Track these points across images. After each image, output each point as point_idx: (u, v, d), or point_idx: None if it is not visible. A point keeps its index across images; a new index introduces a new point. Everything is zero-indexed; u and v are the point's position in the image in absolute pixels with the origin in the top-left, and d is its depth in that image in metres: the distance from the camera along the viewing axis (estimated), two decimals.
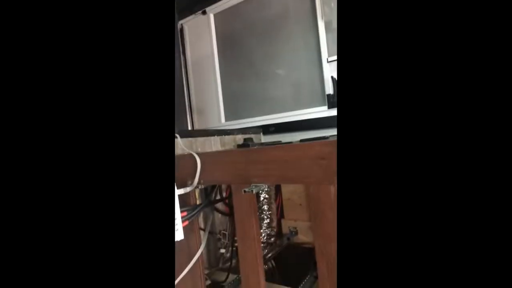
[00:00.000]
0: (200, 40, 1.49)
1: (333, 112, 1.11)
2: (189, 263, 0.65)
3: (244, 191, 0.53)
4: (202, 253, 0.67)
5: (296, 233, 1.07)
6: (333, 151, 0.46)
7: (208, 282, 0.85)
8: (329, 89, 1.10)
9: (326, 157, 0.46)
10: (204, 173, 0.62)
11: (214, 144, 1.00)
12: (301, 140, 0.88)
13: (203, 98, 1.51)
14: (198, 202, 0.69)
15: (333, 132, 1.11)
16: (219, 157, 0.61)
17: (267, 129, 1.30)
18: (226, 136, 1.07)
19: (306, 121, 1.17)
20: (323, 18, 1.11)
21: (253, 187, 0.53)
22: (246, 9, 1.34)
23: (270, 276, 0.98)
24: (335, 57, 1.09)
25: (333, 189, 0.46)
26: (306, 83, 1.19)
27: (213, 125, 1.49)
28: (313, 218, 0.48)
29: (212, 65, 1.45)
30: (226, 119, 1.45)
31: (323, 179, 0.47)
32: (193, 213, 0.64)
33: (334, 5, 1.08)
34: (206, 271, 0.87)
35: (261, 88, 1.33)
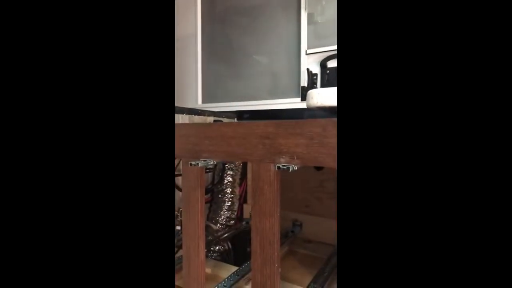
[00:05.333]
0: (186, 17, 1.45)
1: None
2: None
3: (190, 164, 0.53)
4: None
5: None
6: (276, 132, 0.46)
7: None
8: (304, 81, 1.11)
9: (270, 137, 0.47)
10: None
11: (181, 122, 0.99)
12: None
13: (181, 76, 1.49)
14: None
15: None
16: None
17: (241, 115, 1.30)
18: (196, 116, 1.06)
19: (280, 111, 1.18)
20: (306, 9, 1.11)
21: (201, 161, 0.54)
22: None
23: (225, 256, 1.00)
24: (314, 50, 1.10)
25: (273, 168, 0.47)
26: (284, 73, 1.19)
27: (189, 105, 1.47)
28: (252, 195, 0.49)
29: (195, 44, 1.43)
30: (203, 101, 1.43)
31: (264, 157, 0.47)
32: None
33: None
34: None
35: (241, 73, 1.32)
